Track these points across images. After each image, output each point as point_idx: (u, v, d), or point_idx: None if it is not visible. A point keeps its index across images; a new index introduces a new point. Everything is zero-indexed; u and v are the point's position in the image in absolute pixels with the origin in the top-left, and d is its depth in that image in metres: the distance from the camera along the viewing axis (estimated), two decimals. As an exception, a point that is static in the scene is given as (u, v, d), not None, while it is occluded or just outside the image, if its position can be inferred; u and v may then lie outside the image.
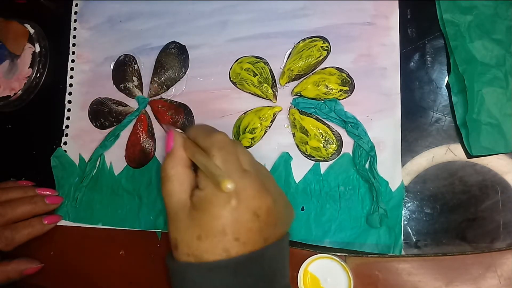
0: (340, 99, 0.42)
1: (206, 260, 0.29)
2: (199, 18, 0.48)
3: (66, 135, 0.50)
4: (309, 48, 0.43)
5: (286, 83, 0.44)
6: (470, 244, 0.37)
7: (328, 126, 0.42)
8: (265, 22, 0.46)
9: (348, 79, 0.42)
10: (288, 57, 0.44)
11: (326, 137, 0.41)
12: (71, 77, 0.51)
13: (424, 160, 0.40)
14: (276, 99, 0.44)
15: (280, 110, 0.43)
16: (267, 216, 0.30)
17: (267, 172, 0.34)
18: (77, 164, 0.49)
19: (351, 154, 0.41)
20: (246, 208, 0.29)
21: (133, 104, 0.49)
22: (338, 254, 0.40)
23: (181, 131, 0.36)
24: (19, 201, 0.45)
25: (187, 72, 0.47)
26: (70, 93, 0.51)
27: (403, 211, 0.39)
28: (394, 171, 0.40)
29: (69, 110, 0.51)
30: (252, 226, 0.29)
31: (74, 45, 0.52)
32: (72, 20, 0.53)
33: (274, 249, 0.31)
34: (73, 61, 0.52)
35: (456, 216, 0.38)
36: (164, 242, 0.45)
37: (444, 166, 0.39)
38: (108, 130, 0.49)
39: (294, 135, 0.43)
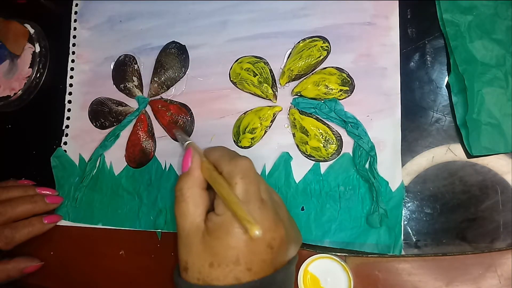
0: (340, 99, 0.42)
1: (216, 285, 0.29)
2: (199, 18, 0.48)
3: (66, 135, 0.50)
4: (309, 48, 0.43)
5: (286, 83, 0.44)
6: (470, 244, 0.37)
7: (328, 126, 0.42)
8: (265, 22, 0.46)
9: (348, 79, 0.42)
10: (288, 57, 0.44)
11: (326, 137, 0.41)
12: (71, 77, 0.51)
13: (424, 160, 0.40)
14: (276, 99, 0.44)
15: (280, 110, 0.43)
16: (280, 246, 0.30)
17: (278, 198, 0.34)
18: (77, 164, 0.49)
19: (351, 154, 0.41)
20: (262, 240, 0.29)
21: (133, 104, 0.49)
22: (338, 254, 0.40)
23: (198, 147, 0.35)
24: (19, 200, 0.45)
25: (187, 72, 0.47)
26: (70, 93, 0.51)
27: (403, 211, 0.39)
28: (394, 171, 0.40)
29: (69, 110, 0.51)
30: (266, 258, 0.29)
31: (74, 45, 0.52)
32: (72, 20, 0.53)
33: (283, 274, 0.31)
34: (73, 61, 0.52)
35: (456, 216, 0.38)
36: (164, 242, 0.45)
37: (444, 166, 0.39)
38: (108, 130, 0.49)
39: (294, 135, 0.43)
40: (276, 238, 0.30)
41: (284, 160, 0.42)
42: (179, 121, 0.46)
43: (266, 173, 0.43)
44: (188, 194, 0.31)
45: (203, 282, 0.29)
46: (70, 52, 0.52)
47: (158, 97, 0.48)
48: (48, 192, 0.47)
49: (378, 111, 0.41)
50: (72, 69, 0.52)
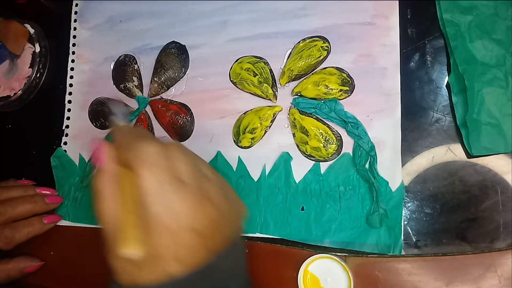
0: (340, 99, 0.42)
1: (149, 285, 0.26)
2: (199, 18, 0.48)
3: (66, 135, 0.50)
4: (309, 48, 0.43)
5: (286, 83, 0.44)
6: (470, 244, 0.37)
7: (328, 126, 0.42)
8: (265, 22, 0.46)
9: (348, 79, 0.42)
10: (288, 57, 0.44)
11: (326, 137, 0.41)
12: (71, 77, 0.51)
13: (424, 160, 0.40)
14: (276, 99, 0.44)
15: (280, 110, 0.43)
16: (210, 229, 0.27)
17: (214, 175, 0.30)
18: (77, 164, 0.49)
19: (351, 154, 0.41)
20: (181, 227, 0.26)
21: (133, 104, 0.49)
22: (338, 254, 0.40)
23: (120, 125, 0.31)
24: (19, 200, 0.45)
25: (187, 72, 0.47)
26: (70, 93, 0.51)
27: (403, 211, 0.39)
28: (394, 171, 0.40)
29: (69, 110, 0.51)
30: (193, 243, 0.26)
31: (74, 45, 0.52)
32: (72, 20, 0.53)
33: (224, 259, 0.28)
34: (73, 61, 0.52)
35: (456, 216, 0.38)
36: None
37: (444, 166, 0.39)
38: (108, 130, 0.49)
39: (294, 135, 0.43)
40: (200, 220, 0.26)
41: (284, 160, 0.42)
42: (179, 121, 0.46)
43: (266, 173, 0.43)
44: (105, 191, 0.28)
45: (135, 283, 0.27)
46: (70, 52, 0.52)
47: (158, 97, 0.48)
48: (48, 192, 0.47)
49: (378, 111, 0.41)
50: (72, 69, 0.52)
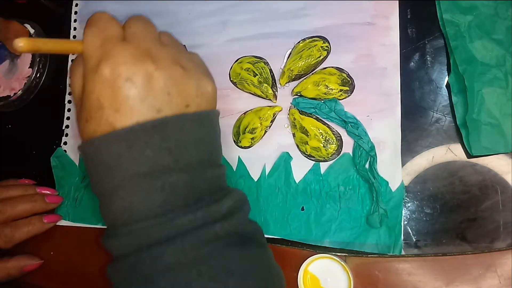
0: (340, 99, 0.42)
1: (95, 138, 0.28)
2: (199, 18, 0.48)
3: (66, 135, 0.50)
4: (309, 48, 0.43)
5: (286, 83, 0.44)
6: (470, 244, 0.37)
7: (328, 126, 0.42)
8: (265, 22, 0.46)
9: (348, 79, 0.42)
10: (288, 57, 0.44)
11: (326, 137, 0.41)
12: (71, 77, 0.51)
13: (424, 160, 0.40)
14: (276, 99, 0.44)
15: (280, 110, 0.43)
16: (146, 82, 0.28)
17: (172, 44, 0.32)
18: (77, 164, 0.49)
19: (351, 154, 0.41)
20: (116, 75, 0.27)
21: (133, 104, 0.49)
22: (338, 254, 0.40)
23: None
24: (19, 199, 0.45)
25: (187, 72, 0.47)
26: (70, 93, 0.51)
27: (403, 211, 0.39)
28: (394, 171, 0.40)
29: (69, 110, 0.51)
30: (130, 94, 0.27)
31: (74, 45, 0.52)
32: (72, 20, 0.53)
33: (178, 121, 0.29)
34: (73, 61, 0.52)
35: (456, 216, 0.38)
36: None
37: (444, 166, 0.39)
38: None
39: (294, 135, 0.43)
40: (137, 72, 0.28)
41: (284, 160, 0.42)
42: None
43: (266, 173, 0.43)
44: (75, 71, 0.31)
45: (87, 137, 0.29)
46: (70, 52, 0.52)
47: (158, 97, 0.48)
48: (48, 192, 0.47)
49: (378, 111, 0.41)
50: (72, 69, 0.52)
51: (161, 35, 0.32)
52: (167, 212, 0.28)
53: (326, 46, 0.43)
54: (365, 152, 0.40)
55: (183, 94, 0.30)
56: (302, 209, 0.41)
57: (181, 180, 0.28)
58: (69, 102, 0.51)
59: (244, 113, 0.44)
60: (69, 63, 0.52)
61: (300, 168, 0.42)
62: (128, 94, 0.27)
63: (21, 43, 0.28)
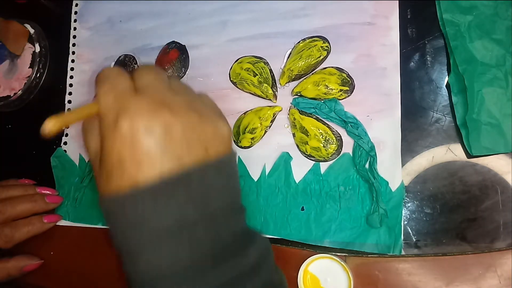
0: (340, 99, 0.42)
1: (120, 195, 0.27)
2: (199, 18, 0.48)
3: (66, 135, 0.50)
4: (309, 48, 0.43)
5: (286, 83, 0.44)
6: (470, 244, 0.37)
7: (328, 126, 0.42)
8: (265, 22, 0.46)
9: (348, 79, 0.42)
10: (288, 57, 0.44)
11: (326, 137, 0.41)
12: (71, 77, 0.51)
13: (424, 160, 0.40)
14: (276, 99, 0.44)
15: (280, 110, 0.43)
16: (165, 132, 0.27)
17: (186, 92, 0.32)
18: (77, 164, 0.49)
19: (351, 154, 0.41)
20: (136, 128, 0.26)
21: (133, 104, 0.49)
22: (338, 254, 0.40)
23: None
24: (19, 199, 0.45)
25: (187, 72, 0.47)
26: (70, 93, 0.51)
27: (403, 211, 0.39)
28: (394, 171, 0.40)
29: (69, 110, 0.51)
30: (149, 145, 0.26)
31: (74, 45, 0.52)
32: (72, 20, 0.53)
33: (201, 171, 0.28)
34: (73, 61, 0.52)
35: (456, 216, 0.38)
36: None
37: (444, 166, 0.39)
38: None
39: (294, 135, 0.43)
40: (155, 122, 0.27)
41: (284, 160, 0.42)
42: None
43: (266, 173, 0.43)
44: (84, 126, 0.31)
45: (111, 193, 0.27)
46: (70, 52, 0.52)
47: (158, 97, 0.48)
48: (48, 192, 0.47)
49: (378, 111, 0.41)
50: (72, 69, 0.52)
51: (171, 82, 0.32)
52: (196, 267, 0.27)
53: (326, 46, 0.43)
54: (365, 152, 0.40)
55: (201, 139, 0.29)
56: (302, 209, 0.41)
57: (207, 233, 0.28)
58: (69, 102, 0.51)
59: (244, 113, 0.44)
60: (69, 63, 0.52)
61: (300, 168, 0.42)
62: (148, 145, 0.27)
63: (50, 124, 0.28)
